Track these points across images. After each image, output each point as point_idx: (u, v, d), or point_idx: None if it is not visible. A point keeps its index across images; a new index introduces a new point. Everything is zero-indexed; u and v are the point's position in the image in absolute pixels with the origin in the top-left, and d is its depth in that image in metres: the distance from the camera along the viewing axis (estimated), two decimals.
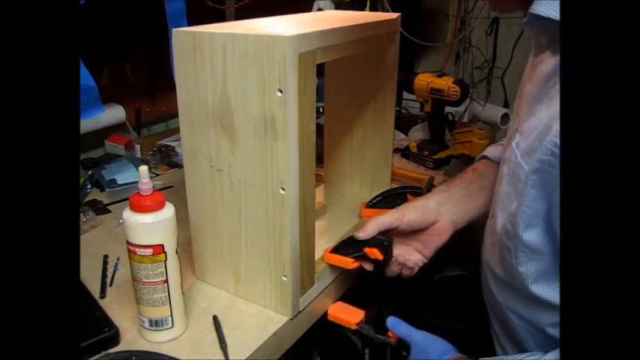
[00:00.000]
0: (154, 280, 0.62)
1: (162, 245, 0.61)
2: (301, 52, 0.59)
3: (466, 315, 0.89)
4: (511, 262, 0.63)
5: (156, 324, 0.64)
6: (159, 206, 0.60)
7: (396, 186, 1.00)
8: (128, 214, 0.60)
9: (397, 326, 0.70)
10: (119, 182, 1.06)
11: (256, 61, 0.59)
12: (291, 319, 0.70)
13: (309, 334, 0.74)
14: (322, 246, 0.77)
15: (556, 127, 0.53)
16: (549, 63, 0.60)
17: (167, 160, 1.21)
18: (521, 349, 0.68)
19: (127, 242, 0.61)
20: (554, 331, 0.62)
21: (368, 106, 0.94)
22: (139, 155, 1.22)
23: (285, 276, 0.67)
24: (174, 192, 1.04)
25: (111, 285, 0.76)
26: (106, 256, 0.83)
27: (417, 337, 0.68)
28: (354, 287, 0.83)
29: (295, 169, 0.63)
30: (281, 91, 0.59)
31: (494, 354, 0.76)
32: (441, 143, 1.27)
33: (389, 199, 0.94)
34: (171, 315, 0.64)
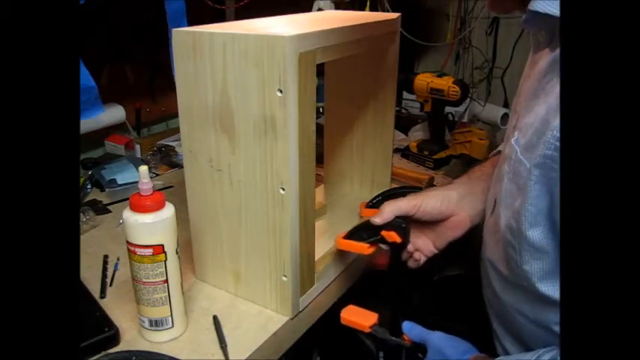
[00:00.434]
0: (154, 280, 0.62)
1: (163, 245, 0.61)
2: (301, 52, 0.59)
3: (466, 315, 0.89)
4: (516, 260, 0.62)
5: (156, 324, 0.64)
6: (159, 206, 0.60)
7: (396, 186, 1.00)
8: (128, 214, 0.60)
9: (412, 330, 0.69)
10: (119, 182, 1.06)
11: (256, 61, 0.59)
12: (291, 319, 0.70)
13: (309, 334, 0.74)
14: (322, 246, 0.77)
15: (556, 121, 0.53)
16: (547, 60, 0.60)
17: (167, 160, 1.21)
18: (526, 349, 0.68)
19: (127, 242, 0.61)
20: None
21: (368, 106, 0.94)
22: (139, 155, 1.22)
23: (285, 276, 0.67)
24: (174, 192, 1.04)
25: (111, 285, 0.76)
26: (106, 256, 0.83)
27: (433, 338, 0.67)
28: (365, 290, 0.83)
29: (295, 169, 0.63)
30: (281, 91, 0.59)
31: (495, 354, 0.76)
32: (441, 143, 1.27)
33: (389, 199, 0.94)
34: (171, 315, 0.64)
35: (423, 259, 0.78)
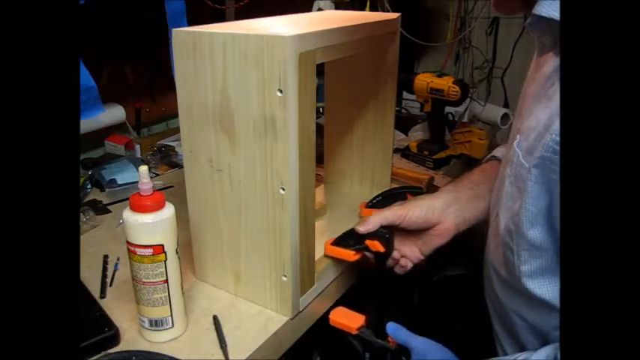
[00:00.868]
0: (154, 280, 0.62)
1: (163, 245, 0.61)
2: (301, 52, 0.59)
3: (466, 315, 0.89)
4: (513, 262, 0.62)
5: (156, 324, 0.64)
6: (159, 206, 0.60)
7: (396, 186, 1.00)
8: (128, 214, 0.60)
9: (397, 332, 0.70)
10: (119, 182, 1.06)
11: (256, 61, 0.59)
12: (291, 319, 0.70)
13: (309, 334, 0.74)
14: (322, 246, 0.77)
15: (557, 125, 0.53)
16: (551, 63, 0.60)
17: (167, 160, 1.21)
18: (523, 351, 0.68)
19: (127, 242, 0.61)
20: (558, 335, 0.62)
21: (368, 106, 0.94)
22: (139, 155, 1.22)
23: (285, 276, 0.67)
24: (174, 192, 1.04)
25: (111, 285, 0.76)
26: (106, 256, 0.83)
27: (416, 343, 0.68)
28: (354, 291, 0.83)
29: (295, 169, 0.63)
30: (281, 91, 0.59)
31: (494, 355, 0.76)
32: (441, 143, 1.27)
33: (389, 199, 0.94)
34: (171, 315, 0.64)
35: (409, 265, 0.79)
